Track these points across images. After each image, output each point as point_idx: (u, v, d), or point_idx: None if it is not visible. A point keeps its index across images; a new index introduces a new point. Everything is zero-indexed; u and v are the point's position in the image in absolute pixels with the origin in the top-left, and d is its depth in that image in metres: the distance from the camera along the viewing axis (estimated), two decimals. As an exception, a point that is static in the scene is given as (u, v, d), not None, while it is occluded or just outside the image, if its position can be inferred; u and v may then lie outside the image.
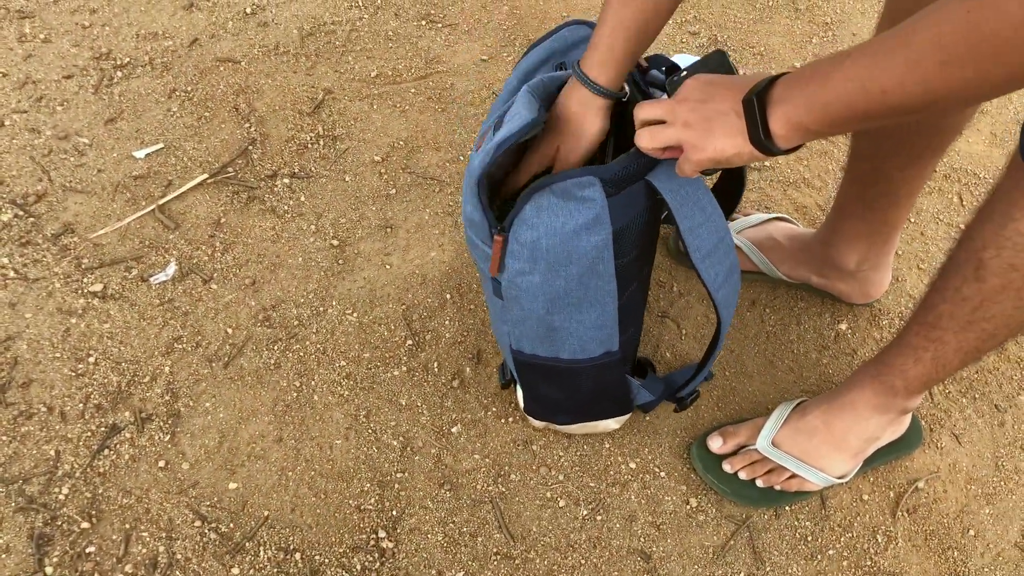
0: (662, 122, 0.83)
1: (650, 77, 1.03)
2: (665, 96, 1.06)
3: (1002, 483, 1.19)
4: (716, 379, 1.26)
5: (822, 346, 1.31)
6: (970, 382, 1.28)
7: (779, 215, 1.39)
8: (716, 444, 1.17)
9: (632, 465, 1.18)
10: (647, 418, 1.22)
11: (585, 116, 0.93)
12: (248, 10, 1.69)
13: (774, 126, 0.73)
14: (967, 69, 0.59)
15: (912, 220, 1.45)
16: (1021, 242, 0.83)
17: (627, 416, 1.17)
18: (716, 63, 0.91)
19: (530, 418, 1.18)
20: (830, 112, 0.69)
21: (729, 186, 1.14)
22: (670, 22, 1.71)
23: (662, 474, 1.17)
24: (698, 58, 0.95)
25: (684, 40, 1.67)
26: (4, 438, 1.15)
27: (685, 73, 0.93)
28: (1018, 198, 0.81)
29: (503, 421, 1.20)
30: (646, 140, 0.84)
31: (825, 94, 0.69)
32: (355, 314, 1.29)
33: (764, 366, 1.28)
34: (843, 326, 1.33)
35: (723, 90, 0.78)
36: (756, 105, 0.73)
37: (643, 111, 0.85)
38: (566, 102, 0.94)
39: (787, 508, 1.16)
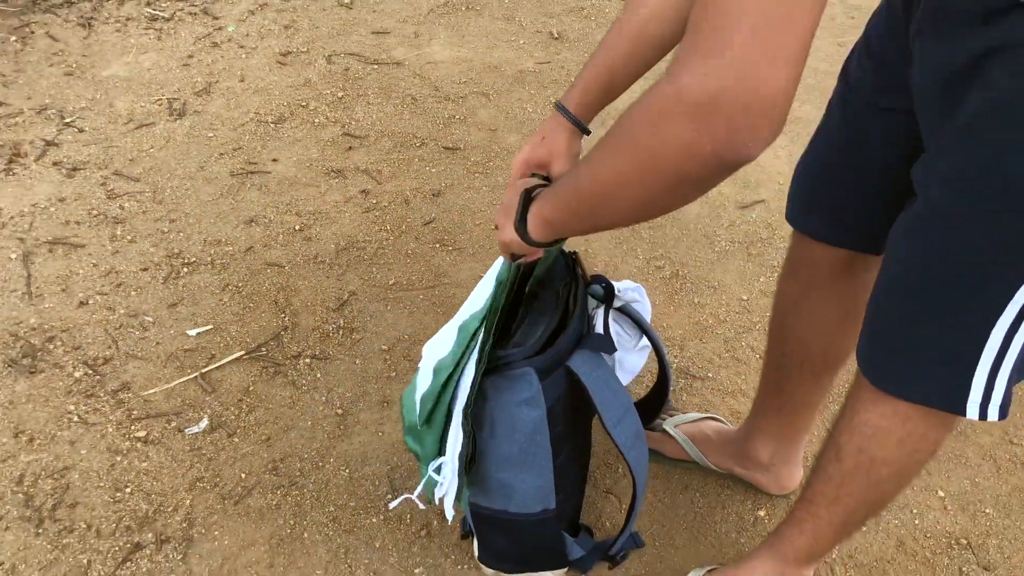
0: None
1: (591, 290, 1.34)
2: (602, 310, 1.38)
3: (891, 658, 1.36)
4: (647, 548, 1.47)
5: (742, 528, 1.52)
6: (870, 568, 1.47)
7: (712, 415, 1.65)
8: (638, 600, 1.37)
9: (565, 613, 1.38)
10: (584, 576, 1.43)
11: (555, 130, 1.13)
12: (297, 227, 2.08)
13: (528, 217, 0.94)
14: (617, 151, 0.76)
15: (821, 427, 1.69)
16: (865, 431, 1.08)
17: (564, 570, 1.38)
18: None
19: (483, 567, 1.39)
20: (560, 202, 0.89)
21: (655, 395, 1.44)
22: (640, 256, 2.05)
23: (590, 623, 1.37)
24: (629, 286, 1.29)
25: (651, 273, 2.01)
26: (48, 546, 1.40)
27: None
28: (862, 396, 1.07)
29: (459, 567, 1.42)
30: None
31: (559, 186, 0.90)
32: (347, 470, 1.55)
33: (690, 541, 1.49)
34: (761, 512, 1.55)
35: (518, 193, 1.00)
36: (522, 199, 0.95)
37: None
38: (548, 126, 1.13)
39: (696, 661, 1.33)
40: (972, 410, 0.98)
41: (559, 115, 1.13)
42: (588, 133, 1.16)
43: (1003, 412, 0.98)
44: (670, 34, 1.07)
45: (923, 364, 0.99)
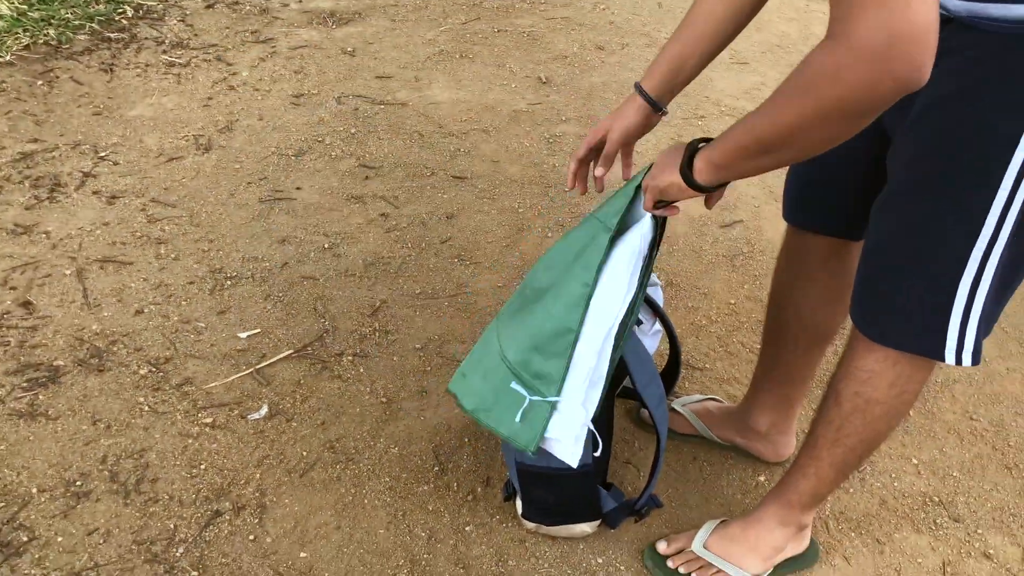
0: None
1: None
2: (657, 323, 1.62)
3: (880, 592, 1.58)
4: (665, 508, 1.68)
5: (745, 491, 1.74)
6: (858, 522, 1.69)
7: (712, 397, 1.87)
8: (662, 547, 1.57)
9: (600, 560, 1.57)
10: (613, 531, 1.62)
11: (626, 104, 1.36)
12: (326, 246, 2.28)
13: (695, 162, 1.13)
14: (797, 102, 0.94)
15: (808, 407, 1.93)
16: (860, 375, 1.30)
17: (598, 522, 1.58)
18: None
19: (525, 522, 1.59)
20: (728, 149, 1.07)
21: (670, 368, 1.66)
22: (638, 268, 2.28)
23: (622, 568, 1.56)
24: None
25: (649, 281, 2.24)
26: (137, 514, 1.57)
27: None
28: (857, 347, 1.29)
29: (504, 525, 1.61)
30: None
31: (727, 135, 1.07)
32: (396, 448, 1.74)
33: (701, 502, 1.71)
34: (761, 478, 1.76)
35: (676, 150, 1.21)
36: (689, 149, 1.15)
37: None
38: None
39: (715, 597, 1.53)
40: (949, 356, 1.20)
41: (634, 94, 1.35)
42: (659, 111, 1.36)
43: (975, 358, 1.21)
44: (735, 28, 1.29)
45: (905, 318, 1.21)
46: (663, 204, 1.29)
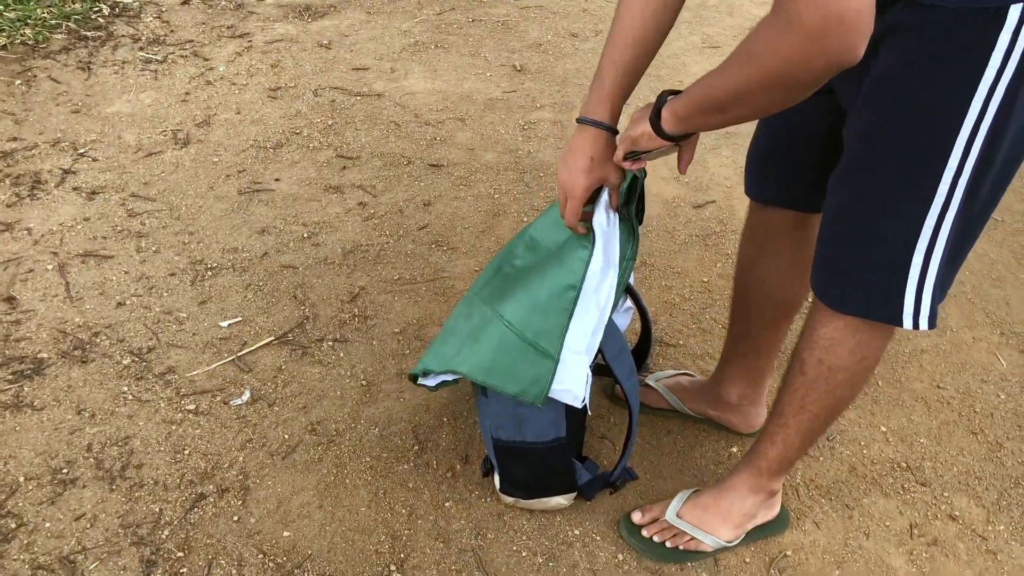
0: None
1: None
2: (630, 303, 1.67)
3: (849, 555, 1.62)
4: (639, 480, 1.72)
5: (718, 461, 1.78)
6: (828, 488, 1.74)
7: (686, 372, 1.92)
8: (637, 516, 1.62)
9: (576, 531, 1.62)
10: (589, 503, 1.67)
11: (597, 147, 1.34)
12: (305, 235, 2.31)
13: (663, 112, 1.19)
14: (743, 69, 1.01)
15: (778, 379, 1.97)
16: (823, 343, 1.34)
17: (573, 495, 1.62)
18: None
19: (503, 496, 1.63)
20: (688, 103, 1.14)
21: (642, 344, 1.70)
22: (613, 250, 2.33)
23: (598, 538, 1.61)
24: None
25: (623, 262, 2.29)
26: (122, 499, 1.60)
27: None
28: (819, 316, 1.34)
29: (483, 500, 1.66)
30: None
31: (689, 90, 1.13)
32: (377, 429, 1.78)
33: (675, 473, 1.75)
34: (734, 449, 1.81)
35: (649, 105, 1.24)
36: (658, 100, 1.20)
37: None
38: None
39: (689, 564, 1.58)
40: (907, 321, 1.25)
41: (594, 129, 1.34)
42: (617, 132, 1.36)
43: (931, 322, 1.25)
44: (667, 25, 1.31)
45: (864, 286, 1.25)
46: (633, 157, 1.33)
